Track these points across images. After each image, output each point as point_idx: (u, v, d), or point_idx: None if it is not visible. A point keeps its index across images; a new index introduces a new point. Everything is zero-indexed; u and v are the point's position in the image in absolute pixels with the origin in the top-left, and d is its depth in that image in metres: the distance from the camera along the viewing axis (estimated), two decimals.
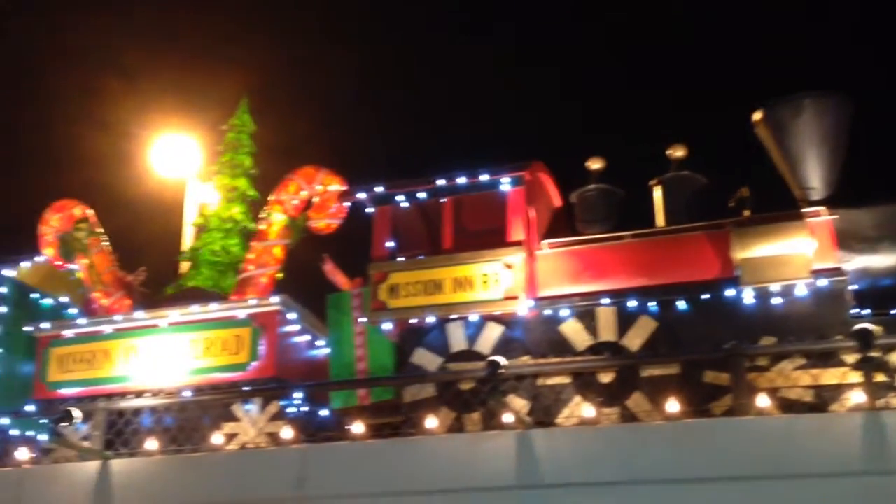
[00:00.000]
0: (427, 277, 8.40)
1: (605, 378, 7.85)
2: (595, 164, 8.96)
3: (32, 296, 9.91)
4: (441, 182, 8.69)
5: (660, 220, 8.69)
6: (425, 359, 8.34)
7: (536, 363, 7.98)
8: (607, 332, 8.01)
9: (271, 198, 9.90)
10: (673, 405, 7.17)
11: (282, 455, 7.54)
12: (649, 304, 7.94)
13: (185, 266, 11.01)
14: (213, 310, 9.06)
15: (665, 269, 7.98)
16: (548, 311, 8.19)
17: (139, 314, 9.24)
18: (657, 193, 8.81)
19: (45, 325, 9.32)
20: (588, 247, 8.36)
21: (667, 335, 7.85)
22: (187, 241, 11.78)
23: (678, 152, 8.83)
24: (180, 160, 12.84)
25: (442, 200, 8.73)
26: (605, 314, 8.04)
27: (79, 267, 10.07)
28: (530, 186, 8.63)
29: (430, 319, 8.36)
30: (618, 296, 8.01)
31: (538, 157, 8.86)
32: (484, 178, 8.57)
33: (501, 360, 7.09)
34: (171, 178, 12.99)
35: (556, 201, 9.40)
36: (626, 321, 7.98)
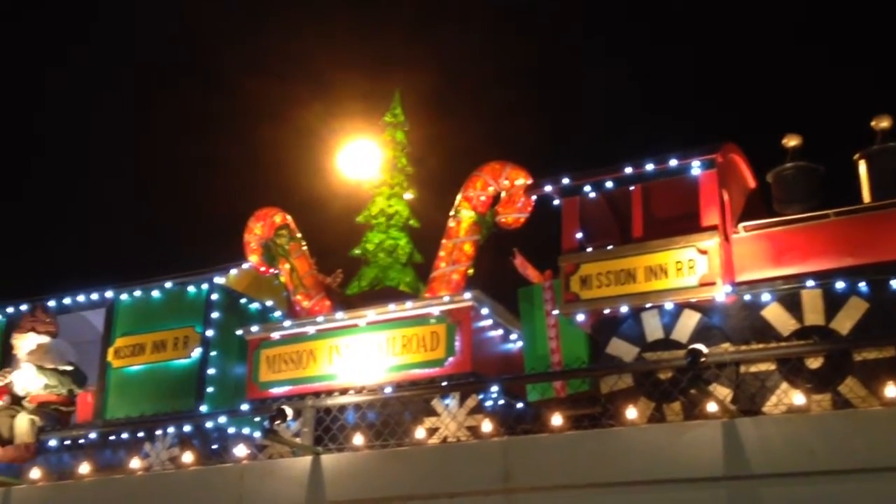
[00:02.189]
0: (619, 267, 8.30)
1: (814, 364, 7.52)
2: (792, 141, 8.58)
3: (241, 301, 10.48)
4: (629, 170, 8.57)
5: (866, 195, 8.24)
6: (621, 349, 8.25)
7: (738, 350, 7.75)
8: (814, 316, 7.66)
9: (459, 195, 10.05)
10: (891, 390, 6.78)
11: (483, 448, 7.65)
12: (859, 284, 7.53)
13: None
14: (409, 308, 9.30)
15: (875, 246, 7.55)
16: (747, 297, 7.92)
17: (339, 314, 9.59)
18: (862, 168, 8.35)
19: (254, 329, 9.82)
20: (788, 227, 8.03)
21: (880, 316, 7.42)
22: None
23: (883, 123, 8.32)
24: (366, 163, 13.19)
25: (630, 188, 8.61)
26: (811, 297, 7.69)
27: (281, 272, 10.55)
28: (723, 169, 8.37)
29: (624, 309, 8.27)
30: (824, 277, 7.64)
31: (731, 138, 8.60)
32: (673, 163, 8.39)
33: (702, 348, 6.93)
34: (358, 180, 13.38)
35: (751, 182, 9.08)
36: (834, 303, 7.60)
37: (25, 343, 9.28)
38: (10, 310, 10.78)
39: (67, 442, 9.71)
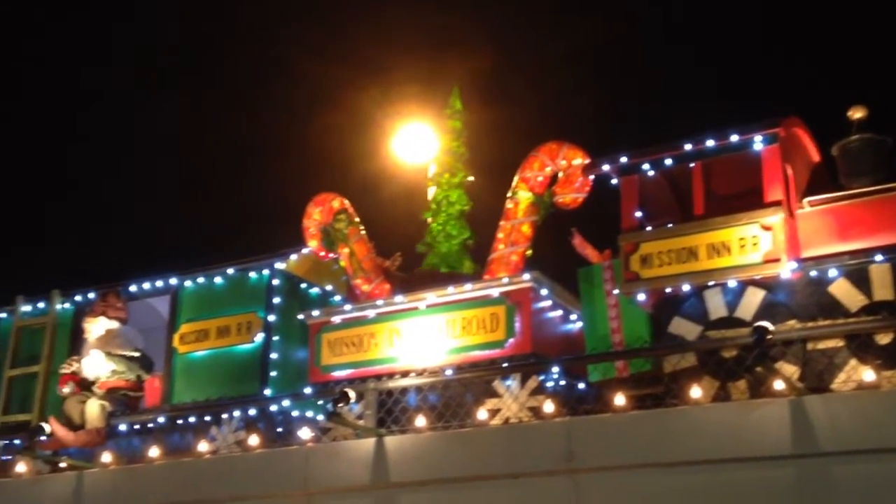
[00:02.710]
0: (680, 245, 8.21)
1: (884, 339, 7.37)
2: (857, 113, 8.38)
3: (301, 286, 10.57)
4: (688, 147, 8.47)
5: None
6: (683, 328, 8.17)
7: (805, 327, 7.63)
8: (883, 291, 7.50)
9: (516, 176, 10.01)
10: None
11: (546, 429, 7.64)
12: None
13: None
14: (468, 290, 9.31)
15: None
16: (814, 273, 7.80)
17: (399, 298, 9.63)
18: None
19: (315, 313, 9.91)
20: (855, 201, 7.88)
21: None
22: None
23: None
24: (421, 147, 13.17)
25: (690, 165, 8.50)
26: (880, 272, 7.53)
27: (340, 256, 10.62)
28: (785, 143, 8.22)
29: (686, 287, 8.18)
30: (893, 251, 7.48)
31: (794, 111, 8.44)
32: (734, 138, 8.27)
33: (768, 325, 6.83)
34: (413, 164, 13.36)
35: (815, 156, 8.91)
36: None
37: (96, 327, 9.50)
38: (78, 298, 11.03)
39: (137, 426, 9.90)
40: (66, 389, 9.49)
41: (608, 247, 9.11)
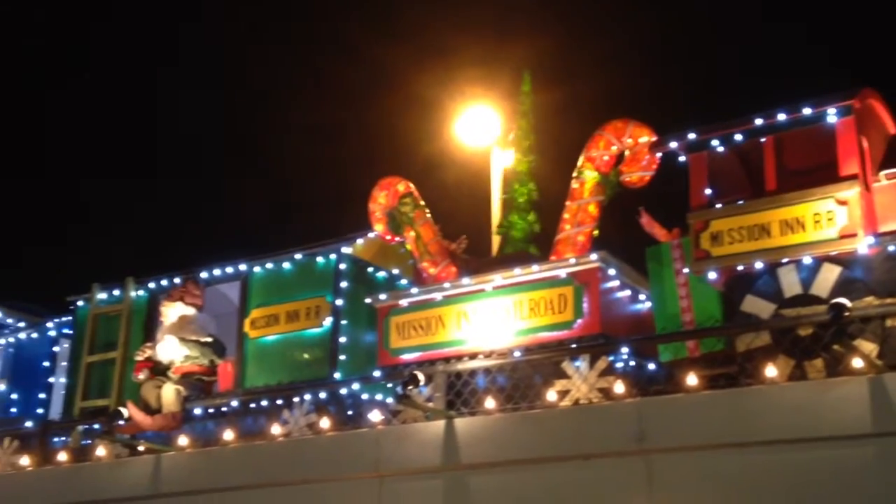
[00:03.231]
0: (752, 222, 8.07)
1: None
2: None
3: (368, 270, 10.62)
4: (759, 121, 8.29)
5: None
6: (757, 306, 8.02)
7: (884, 303, 7.42)
8: None
9: (582, 156, 9.90)
10: None
11: (617, 409, 7.57)
12: None
13: (498, 241, 11.36)
14: (535, 271, 9.26)
15: None
16: (892, 247, 7.59)
17: (465, 280, 9.62)
18: None
19: (382, 297, 9.95)
20: None
21: None
22: (496, 212, 12.10)
23: None
24: (485, 130, 13.11)
25: (761, 140, 8.32)
26: None
27: (406, 239, 10.64)
28: (861, 115, 8.00)
29: (759, 265, 8.03)
30: None
31: (868, 83, 8.21)
32: (807, 111, 8.06)
33: (846, 302, 6.67)
34: (476, 147, 13.32)
35: (892, 128, 8.65)
36: None
37: (172, 311, 9.67)
38: (151, 285, 11.27)
39: (211, 410, 10.08)
40: (140, 376, 9.69)
41: (676, 225, 8.98)
